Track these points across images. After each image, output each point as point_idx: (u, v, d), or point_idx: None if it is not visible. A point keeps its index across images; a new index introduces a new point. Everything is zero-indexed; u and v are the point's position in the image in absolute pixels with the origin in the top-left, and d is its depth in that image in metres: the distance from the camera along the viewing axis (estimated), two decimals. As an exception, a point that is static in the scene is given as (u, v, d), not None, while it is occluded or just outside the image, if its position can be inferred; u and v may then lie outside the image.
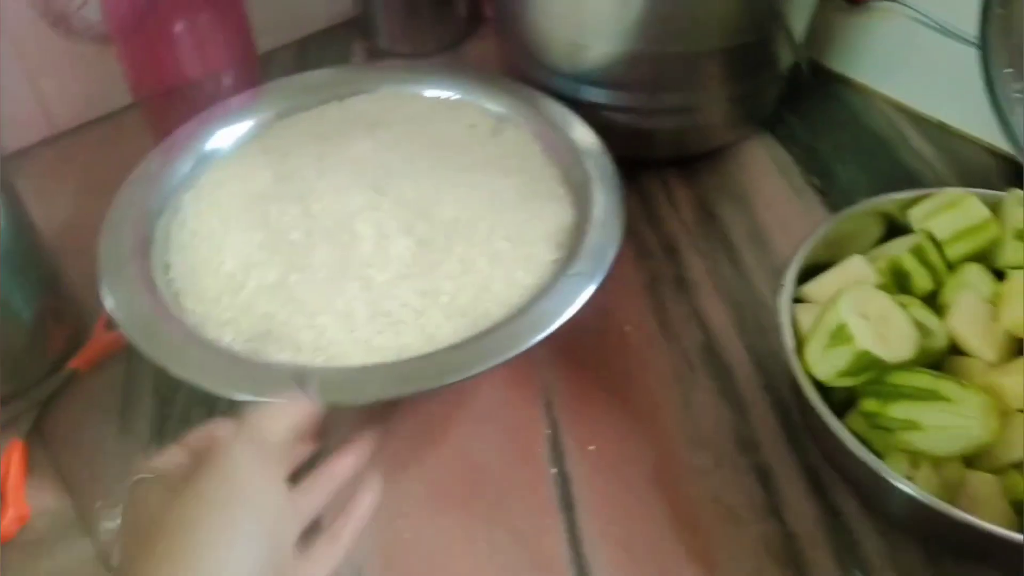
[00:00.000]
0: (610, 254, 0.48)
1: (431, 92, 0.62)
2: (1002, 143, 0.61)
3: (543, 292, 0.47)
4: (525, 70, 0.64)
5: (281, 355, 0.44)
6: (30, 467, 0.46)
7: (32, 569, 0.43)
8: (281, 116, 0.60)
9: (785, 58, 0.62)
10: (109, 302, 0.45)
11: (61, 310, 0.51)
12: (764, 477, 0.45)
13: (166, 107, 0.62)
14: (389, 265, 0.49)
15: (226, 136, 0.58)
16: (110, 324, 0.50)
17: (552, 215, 0.52)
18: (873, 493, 0.43)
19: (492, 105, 0.61)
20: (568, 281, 0.47)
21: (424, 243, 0.50)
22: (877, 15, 0.68)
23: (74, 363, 0.50)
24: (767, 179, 0.64)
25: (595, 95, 0.60)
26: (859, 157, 0.65)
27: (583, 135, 0.57)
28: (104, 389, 0.50)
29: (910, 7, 0.65)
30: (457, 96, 0.62)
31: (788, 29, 0.59)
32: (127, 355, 0.50)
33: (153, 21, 0.58)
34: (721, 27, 0.57)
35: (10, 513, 0.43)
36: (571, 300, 0.45)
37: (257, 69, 0.65)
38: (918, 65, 0.67)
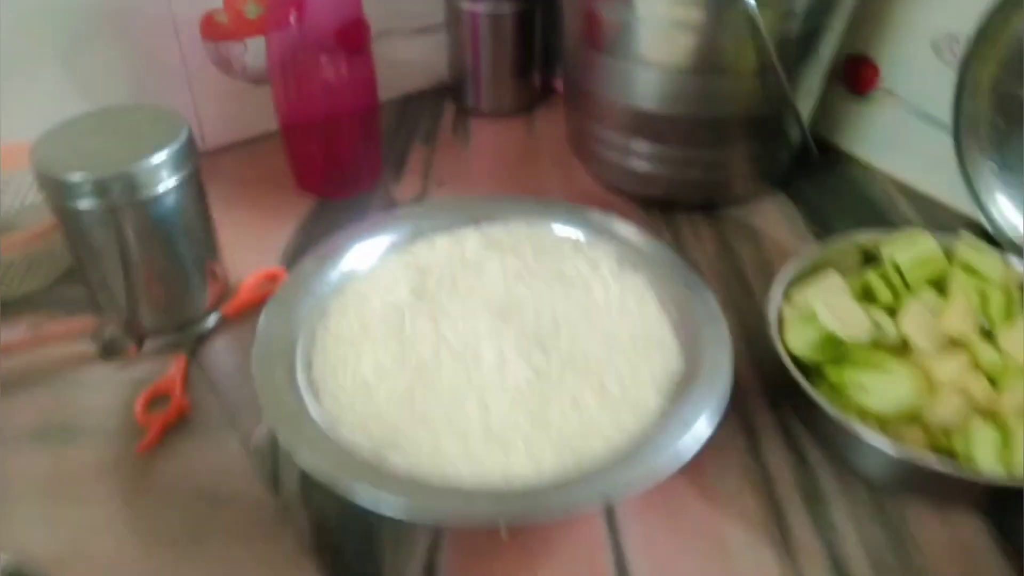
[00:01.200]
0: (715, 410, 0.49)
1: (561, 230, 0.65)
2: (974, 211, 0.73)
3: (646, 441, 0.48)
4: (586, 127, 0.80)
5: (400, 461, 0.47)
6: (188, 379, 0.60)
7: (188, 449, 0.55)
8: (421, 235, 0.64)
9: (794, 132, 0.76)
10: (264, 403, 0.50)
11: (216, 272, 0.66)
12: (749, 430, 0.57)
13: (302, 136, 0.79)
14: (506, 391, 0.51)
15: (372, 249, 0.63)
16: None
17: (661, 363, 0.54)
18: (834, 442, 0.54)
19: (615, 247, 0.63)
20: (672, 432, 0.48)
21: (540, 373, 0.53)
22: (876, 104, 0.82)
23: (223, 310, 0.65)
24: (776, 226, 0.77)
25: (641, 147, 0.74)
26: (855, 215, 0.77)
27: (699, 288, 0.59)
28: (243, 330, 0.64)
29: (903, 98, 0.79)
30: (585, 236, 0.65)
31: (796, 109, 0.73)
32: (260, 310, 0.63)
33: (302, 64, 0.74)
34: (742, 99, 0.71)
35: (175, 405, 0.57)
36: (676, 454, 0.47)
37: (378, 115, 0.80)
38: (908, 146, 0.80)
